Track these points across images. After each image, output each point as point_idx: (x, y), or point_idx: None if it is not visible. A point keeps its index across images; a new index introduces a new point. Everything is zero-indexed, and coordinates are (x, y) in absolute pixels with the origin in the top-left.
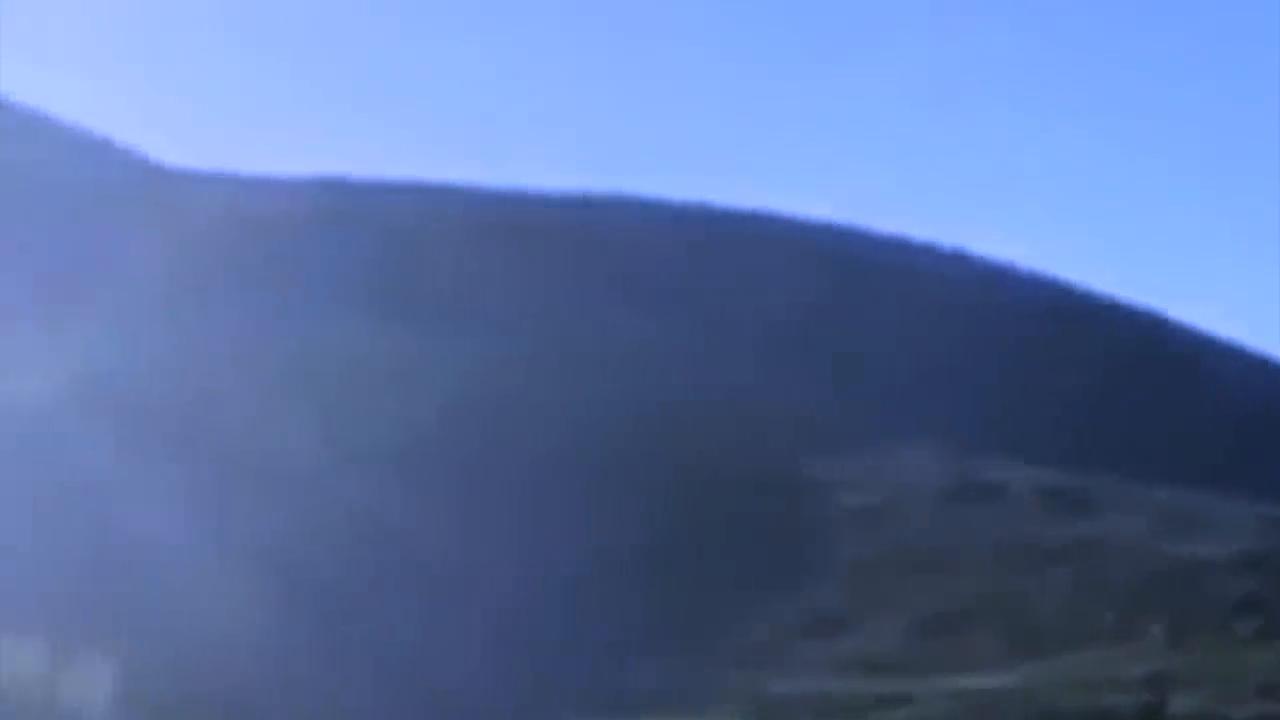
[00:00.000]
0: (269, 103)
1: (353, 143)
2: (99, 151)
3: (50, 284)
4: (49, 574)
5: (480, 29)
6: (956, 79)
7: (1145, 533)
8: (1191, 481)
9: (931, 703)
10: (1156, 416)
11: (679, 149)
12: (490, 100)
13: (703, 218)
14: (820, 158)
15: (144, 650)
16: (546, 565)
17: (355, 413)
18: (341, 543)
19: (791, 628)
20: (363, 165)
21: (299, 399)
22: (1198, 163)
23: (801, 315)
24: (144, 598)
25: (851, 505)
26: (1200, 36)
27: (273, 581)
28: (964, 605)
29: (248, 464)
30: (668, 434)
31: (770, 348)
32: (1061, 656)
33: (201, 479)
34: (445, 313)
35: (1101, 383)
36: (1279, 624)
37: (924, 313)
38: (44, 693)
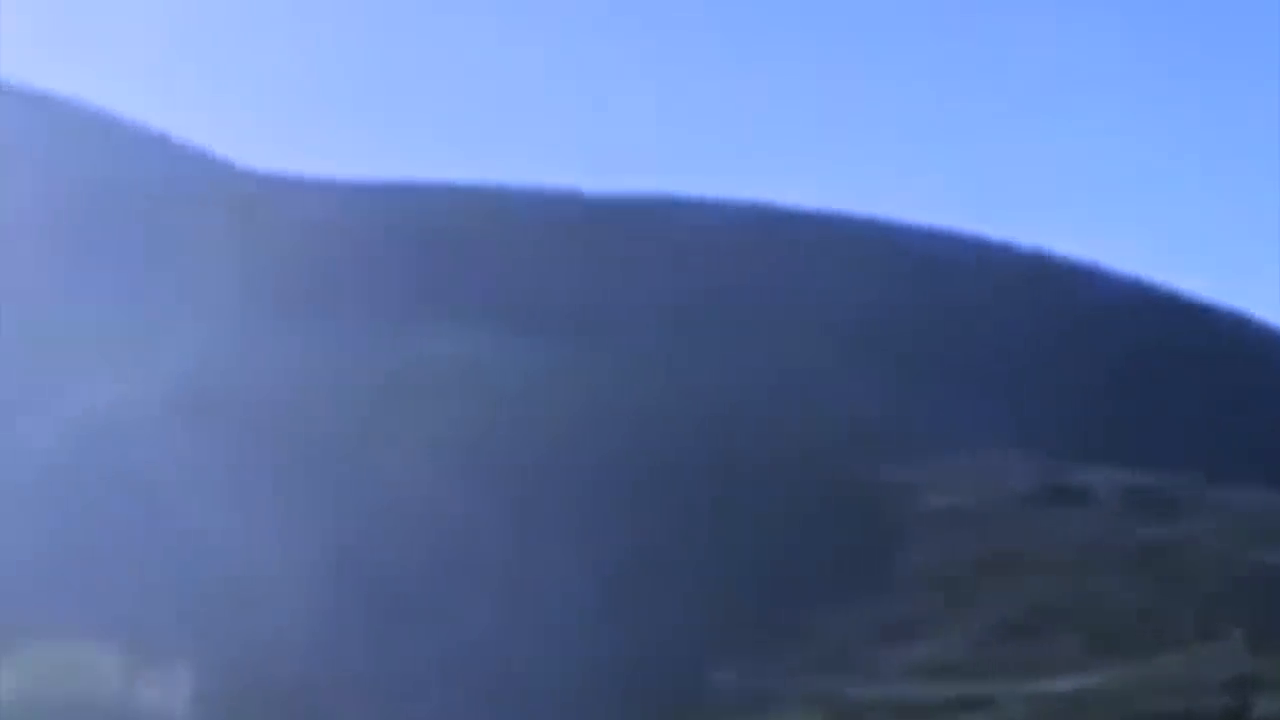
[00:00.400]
0: (353, 107)
1: (433, 147)
2: (182, 157)
3: (136, 291)
4: (129, 577)
5: (552, 36)
6: (1030, 79)
7: (1228, 536)
8: (1275, 484)
9: (1011, 706)
10: (1241, 419)
11: (744, 149)
12: (560, 104)
13: (775, 219)
14: (893, 158)
15: (222, 651)
16: (625, 569)
17: (435, 417)
18: (420, 544)
19: (872, 631)
20: (441, 170)
21: (378, 403)
22: None
23: (884, 316)
24: (224, 600)
25: (933, 509)
26: None
27: (352, 583)
28: (1045, 608)
29: (327, 467)
30: (747, 437)
31: (852, 349)
32: (1142, 659)
33: (282, 483)
34: (519, 316)
35: (1186, 384)
36: None
37: (1006, 314)
38: (123, 694)
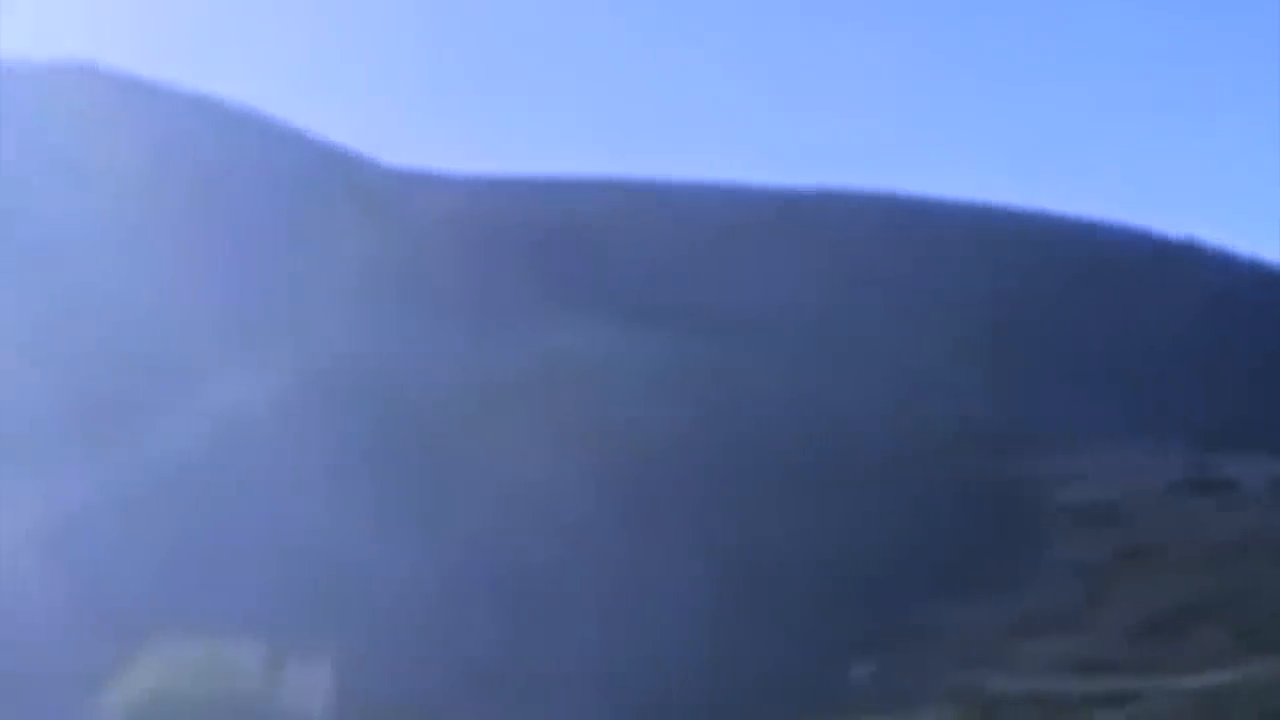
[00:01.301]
0: (483, 102)
1: (562, 142)
2: (317, 152)
3: (270, 286)
4: (267, 573)
5: (682, 29)
6: (1159, 64)
7: None
8: None
9: (1156, 700)
10: None
11: (874, 141)
12: (694, 99)
13: (904, 210)
14: (1037, 148)
15: (357, 647)
16: (765, 565)
17: (564, 412)
18: (546, 541)
19: (1012, 626)
20: (569, 165)
21: (508, 398)
22: None
23: (1024, 308)
24: (360, 599)
25: (1076, 502)
26: None
27: (478, 578)
28: (1191, 602)
29: (456, 461)
30: (887, 432)
31: (991, 341)
32: None
33: (413, 477)
34: (648, 312)
35: None
36: None
37: (1149, 304)
38: (263, 690)
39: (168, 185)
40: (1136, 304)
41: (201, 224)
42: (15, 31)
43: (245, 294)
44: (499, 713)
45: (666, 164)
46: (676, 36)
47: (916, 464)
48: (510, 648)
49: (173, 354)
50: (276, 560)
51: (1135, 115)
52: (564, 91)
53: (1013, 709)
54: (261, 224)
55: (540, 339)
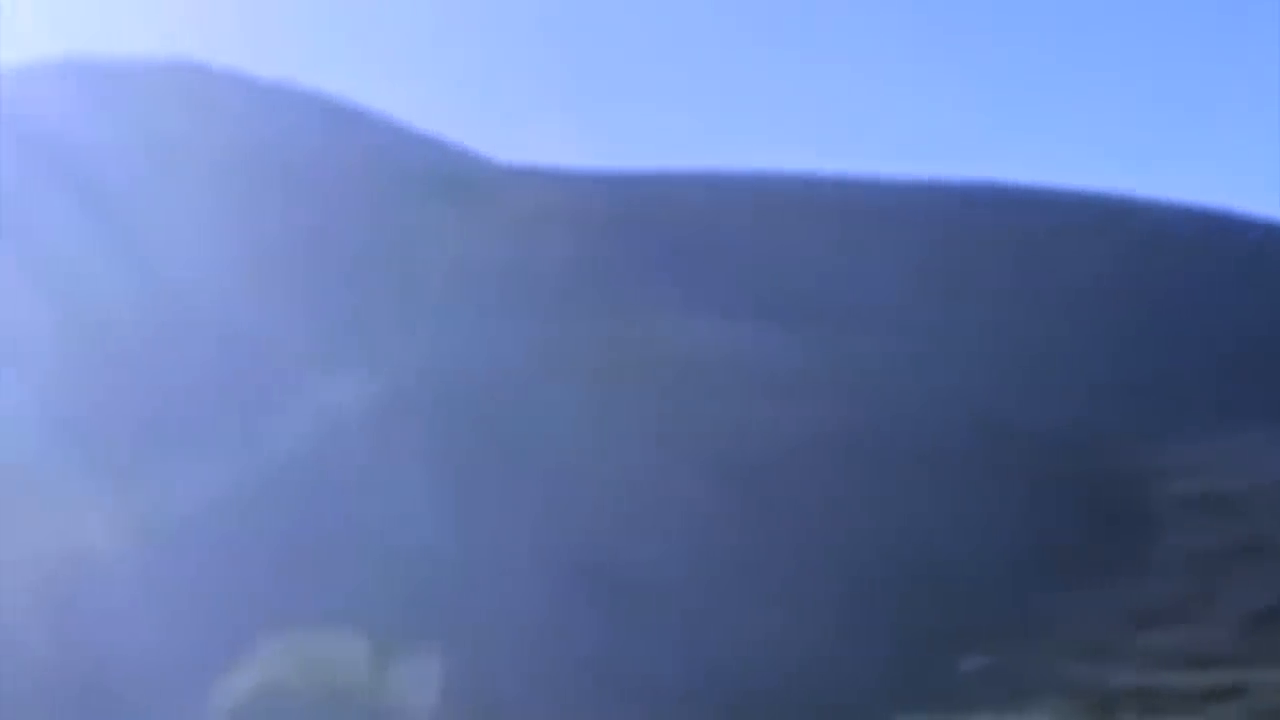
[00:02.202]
0: (591, 97)
1: (671, 136)
2: (426, 148)
3: (373, 282)
4: (373, 571)
5: (783, 22)
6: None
7: None
8: None
9: (1267, 695)
10: None
11: (974, 130)
12: (788, 89)
13: (1008, 199)
14: (1137, 133)
15: (464, 647)
16: (876, 560)
17: (669, 408)
18: (660, 539)
19: (1125, 619)
20: (681, 159)
21: (620, 395)
22: None
23: (1135, 297)
24: (465, 596)
25: (1190, 493)
26: None
27: (588, 577)
28: None
29: (562, 458)
30: (997, 424)
31: (1102, 332)
32: None
33: (519, 474)
34: (762, 303)
35: None
36: None
37: (1262, 295)
38: (372, 684)
39: (275, 182)
40: (1258, 291)
41: (310, 221)
42: (126, 30)
43: (352, 291)
44: (604, 710)
45: (769, 157)
46: (779, 30)
47: (1032, 456)
48: (617, 645)
49: (278, 353)
50: (383, 557)
51: (1255, 101)
52: (666, 84)
53: (1125, 703)
54: (370, 221)
55: (652, 335)
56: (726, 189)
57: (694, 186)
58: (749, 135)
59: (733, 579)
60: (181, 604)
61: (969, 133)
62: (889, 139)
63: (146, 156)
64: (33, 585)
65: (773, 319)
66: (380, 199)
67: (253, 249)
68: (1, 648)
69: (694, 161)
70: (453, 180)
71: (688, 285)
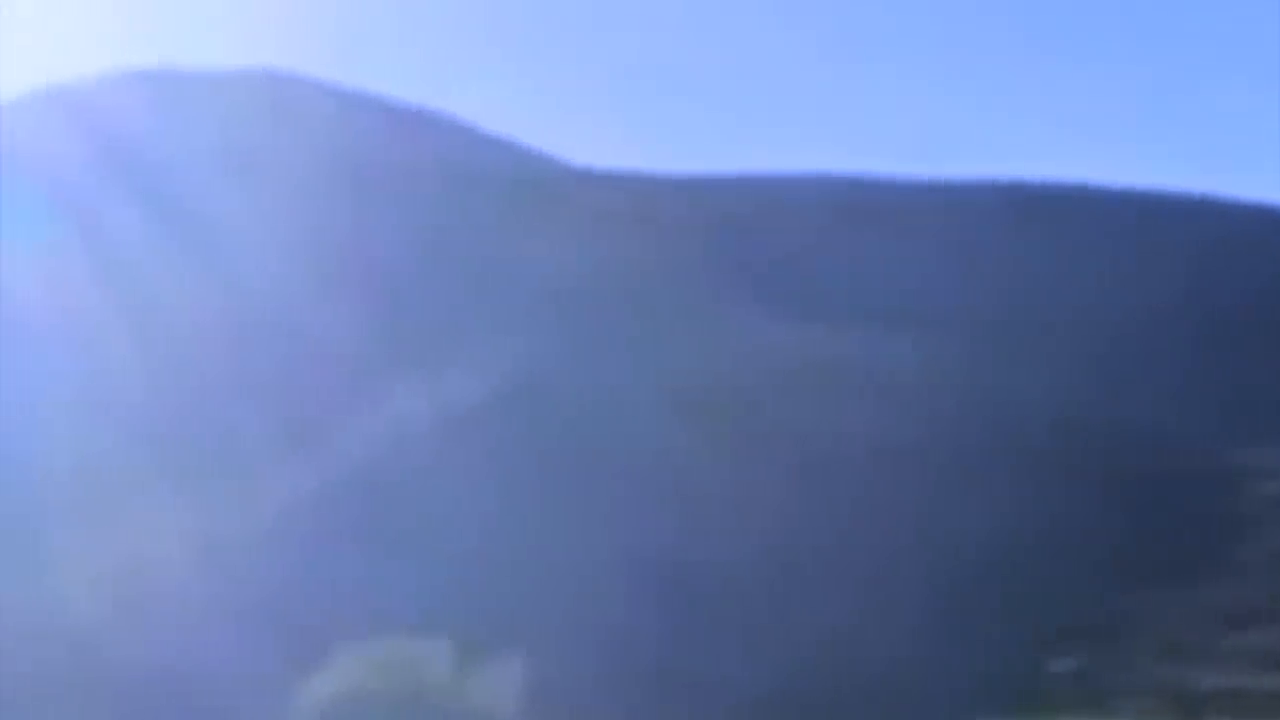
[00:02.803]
0: (662, 99)
1: (744, 138)
2: (503, 151)
3: (452, 287)
4: (453, 576)
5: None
6: None
7: None
8: None
9: None
10: None
11: (1058, 129)
12: (867, 91)
13: (1096, 199)
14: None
15: (548, 650)
16: (965, 558)
17: (753, 412)
18: (748, 544)
19: (1214, 619)
20: (757, 162)
21: (698, 399)
22: None
23: (1239, 300)
24: (547, 599)
25: (1277, 494)
26: None
27: (670, 582)
28: None
29: (650, 467)
30: (1088, 425)
31: (1189, 331)
32: None
33: (598, 479)
34: (839, 307)
35: None
36: None
37: None
38: (453, 688)
39: (352, 189)
40: None
41: (387, 226)
42: (205, 39)
43: (428, 296)
44: (682, 714)
45: (844, 160)
46: (857, 33)
47: (1118, 456)
48: (696, 648)
49: (358, 358)
50: (462, 561)
51: None
52: (741, 86)
53: (1212, 704)
54: (447, 226)
55: (729, 338)
56: (802, 191)
57: (770, 190)
58: (823, 138)
59: (814, 582)
60: (262, 609)
61: (1050, 134)
62: (965, 141)
63: (225, 165)
64: (111, 592)
65: (850, 322)
66: (457, 204)
67: (330, 255)
68: (81, 653)
69: (767, 165)
70: (530, 184)
71: (764, 289)
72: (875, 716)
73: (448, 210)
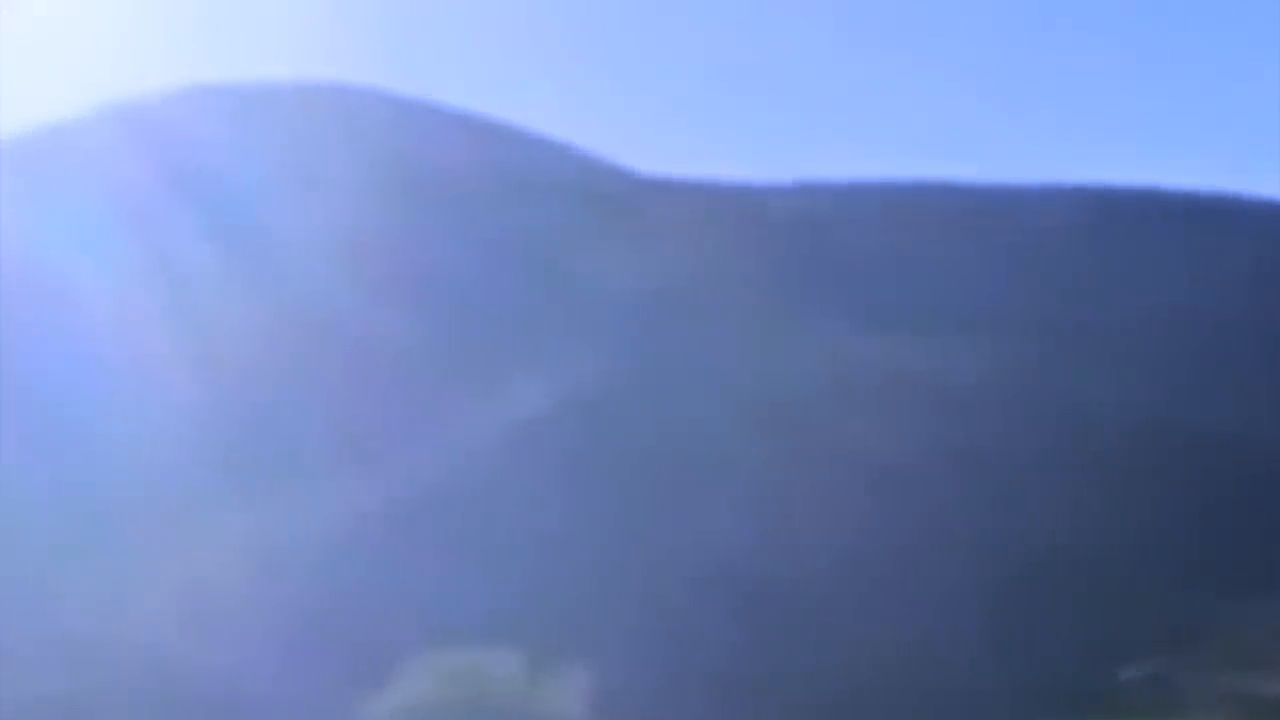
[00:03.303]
0: (730, 107)
1: (818, 146)
2: (570, 160)
3: (520, 296)
4: (522, 585)
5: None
6: None
7: None
8: None
9: None
10: None
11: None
12: (932, 96)
13: (1165, 202)
14: None
15: (617, 659)
16: (1036, 564)
17: (828, 420)
18: (820, 552)
19: None
20: (833, 168)
21: (772, 408)
22: None
23: None
24: (616, 607)
25: None
26: None
27: (740, 590)
28: None
29: (714, 472)
30: (1169, 429)
31: (1272, 335)
32: None
33: (669, 488)
34: (914, 314)
35: None
36: None
37: None
38: (525, 697)
39: (418, 200)
40: None
41: (454, 237)
42: (267, 53)
43: (498, 307)
44: None
45: (907, 165)
46: (913, 38)
47: (1197, 461)
48: (764, 656)
49: (425, 369)
50: (531, 570)
51: None
52: (809, 93)
53: None
54: (515, 236)
55: (804, 347)
56: (869, 198)
57: (840, 197)
58: (890, 144)
59: (885, 590)
60: (329, 621)
61: (1121, 138)
62: (1040, 147)
63: (288, 178)
64: (178, 605)
65: (921, 330)
66: (525, 214)
67: (396, 267)
68: (150, 667)
69: (835, 172)
70: (597, 194)
71: (833, 298)
72: None
73: (515, 221)
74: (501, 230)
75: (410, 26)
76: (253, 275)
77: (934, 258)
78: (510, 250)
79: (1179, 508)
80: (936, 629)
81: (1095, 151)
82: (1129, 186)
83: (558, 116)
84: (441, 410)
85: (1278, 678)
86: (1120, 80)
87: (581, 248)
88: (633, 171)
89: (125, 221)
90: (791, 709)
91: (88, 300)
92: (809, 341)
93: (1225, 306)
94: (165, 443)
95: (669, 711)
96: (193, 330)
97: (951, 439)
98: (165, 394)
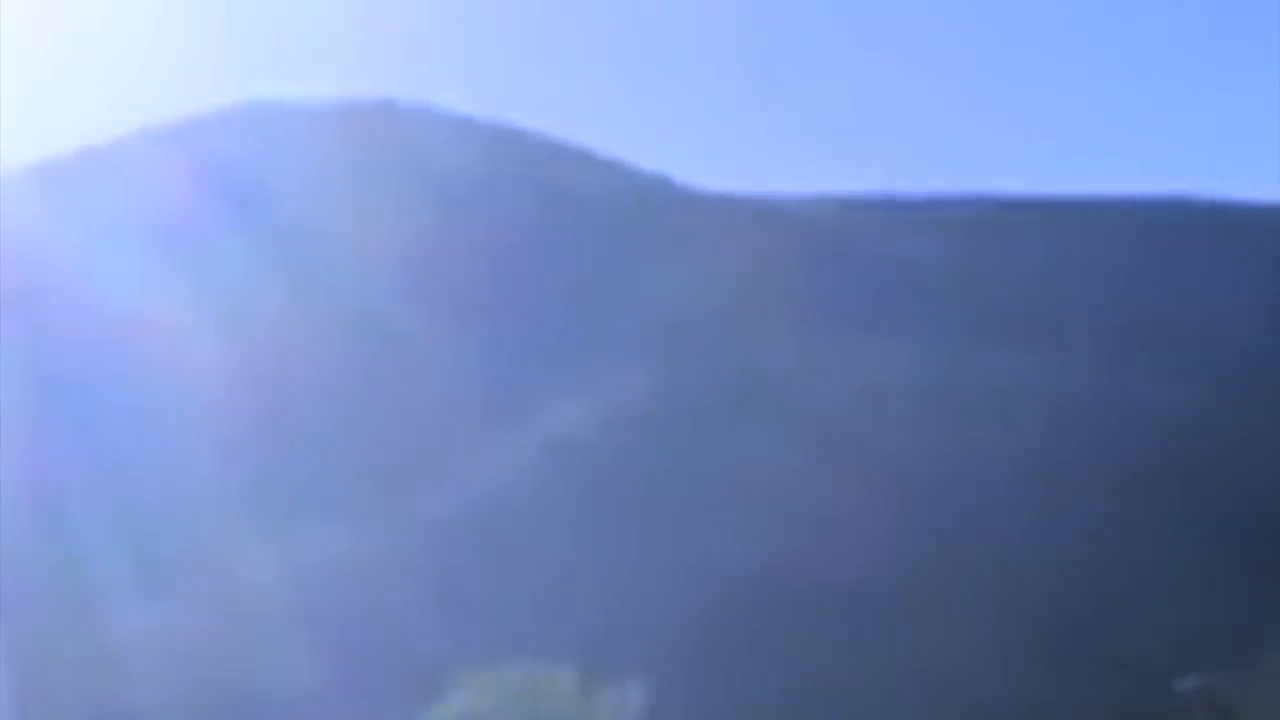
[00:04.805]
0: (788, 122)
1: (860, 160)
2: (617, 175)
3: (573, 311)
4: (576, 602)
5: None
6: None
7: None
8: None
9: None
10: None
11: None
12: (968, 107)
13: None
14: None
15: (670, 674)
16: (1082, 575)
17: (871, 430)
18: (862, 562)
19: None
20: (876, 182)
21: (820, 419)
22: None
23: None
24: (668, 622)
25: None
26: None
27: (790, 604)
28: None
29: (766, 489)
30: (1211, 440)
31: None
32: None
33: (721, 505)
34: (960, 325)
35: None
36: None
37: None
38: (580, 713)
39: (468, 219)
40: None
41: (503, 254)
42: (315, 71)
43: (549, 323)
44: None
45: (951, 179)
46: (957, 48)
47: (1243, 473)
48: (813, 668)
49: (476, 386)
50: (583, 587)
51: None
52: (849, 107)
53: None
54: (564, 252)
55: (849, 362)
56: (917, 211)
57: (882, 210)
58: (939, 157)
59: (933, 602)
60: (385, 636)
61: (1162, 146)
62: (1085, 156)
63: (336, 197)
64: (235, 619)
65: (969, 339)
66: (570, 231)
67: (442, 286)
68: (205, 679)
69: (877, 185)
70: (644, 208)
71: (879, 311)
72: None
73: (559, 238)
74: (546, 248)
75: (459, 44)
76: (300, 294)
77: (986, 269)
78: (555, 268)
79: (1226, 517)
80: (981, 640)
81: (1154, 163)
82: (1165, 194)
83: (602, 130)
84: (487, 427)
85: None
86: (1184, 92)
87: (625, 265)
88: (679, 186)
89: (173, 239)
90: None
91: (134, 318)
92: (854, 355)
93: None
94: (212, 459)
95: None
96: (239, 348)
97: (994, 450)
98: (213, 412)
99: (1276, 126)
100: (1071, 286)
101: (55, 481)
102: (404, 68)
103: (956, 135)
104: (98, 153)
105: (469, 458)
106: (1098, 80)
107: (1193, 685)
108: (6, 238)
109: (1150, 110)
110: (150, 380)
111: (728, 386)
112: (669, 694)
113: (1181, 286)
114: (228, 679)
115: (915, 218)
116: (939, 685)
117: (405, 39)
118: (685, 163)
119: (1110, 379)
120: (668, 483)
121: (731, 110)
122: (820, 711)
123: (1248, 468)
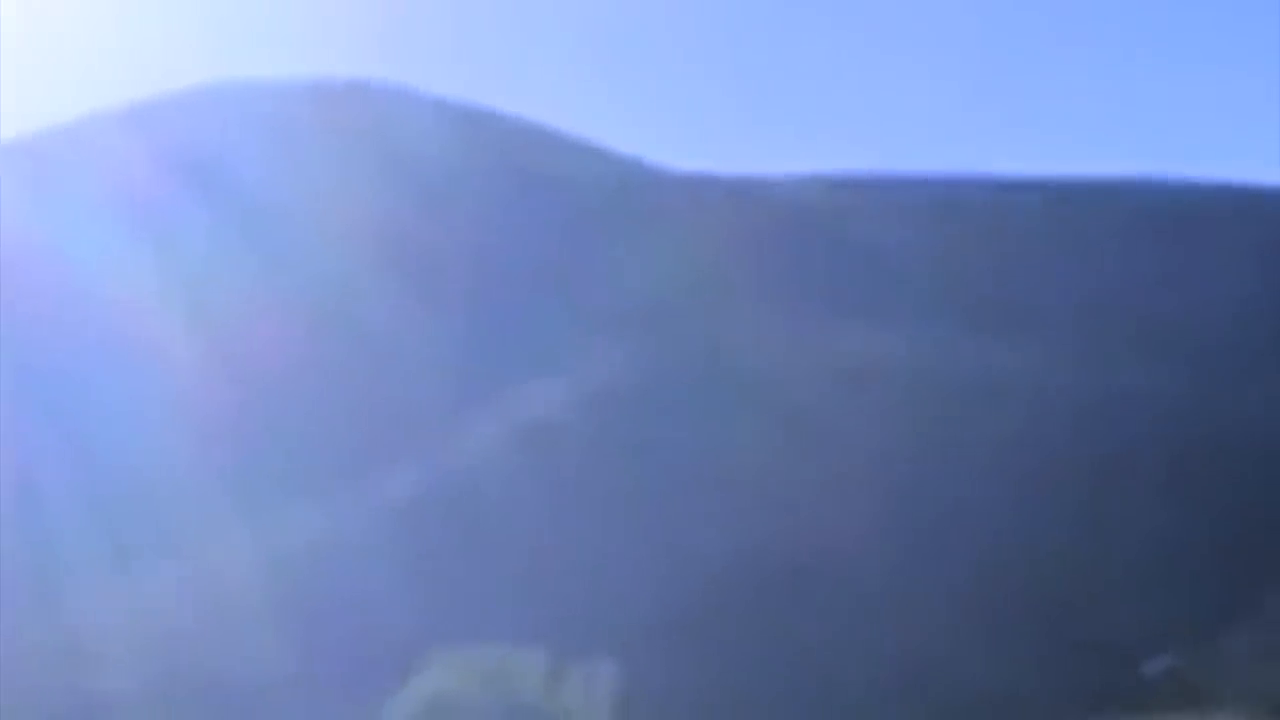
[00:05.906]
0: (767, 103)
1: (841, 140)
2: (592, 157)
3: (547, 294)
4: (546, 584)
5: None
6: None
7: None
8: None
9: None
10: None
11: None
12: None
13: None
14: None
15: (641, 657)
16: (1056, 559)
17: (851, 415)
18: (836, 550)
19: None
20: (858, 162)
21: (796, 403)
22: None
23: None
24: (640, 605)
25: None
26: None
27: (765, 588)
28: None
29: (740, 472)
30: (1193, 427)
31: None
32: None
33: (694, 485)
34: (938, 309)
35: None
36: None
37: None
38: (547, 696)
39: (440, 199)
40: None
41: (472, 237)
42: (285, 52)
43: (522, 307)
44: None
45: (931, 159)
46: (942, 29)
47: (1219, 458)
48: (791, 653)
49: (446, 369)
50: (556, 568)
51: None
52: (826, 86)
53: None
54: (538, 235)
55: (824, 346)
56: (900, 192)
57: (861, 191)
58: (921, 137)
59: (909, 587)
60: (353, 618)
61: (1152, 131)
62: (1072, 138)
63: (306, 178)
64: (203, 603)
65: (950, 324)
66: (547, 213)
67: (416, 266)
68: (176, 665)
69: (859, 165)
70: (613, 190)
71: (856, 292)
72: (975, 715)
73: (534, 219)
74: (519, 229)
75: (432, 25)
76: (271, 277)
77: (966, 253)
78: (530, 251)
79: (1199, 502)
80: (957, 624)
81: (1153, 146)
82: (1196, 181)
83: (577, 112)
84: (460, 409)
85: None
86: (1183, 75)
87: (599, 245)
88: (657, 168)
89: (140, 221)
90: (813, 706)
91: (102, 301)
92: (830, 338)
93: (1264, 304)
94: (182, 443)
95: (691, 708)
96: (208, 332)
97: (975, 436)
98: (182, 395)
99: (1261, 110)
100: (1055, 272)
101: (20, 464)
102: (376, 48)
103: (956, 116)
104: (64, 133)
105: (443, 440)
106: (1087, 63)
107: (1161, 666)
108: None
109: (1143, 94)
110: (118, 363)
111: (705, 370)
112: (642, 678)
113: (1165, 273)
114: (200, 663)
115: (899, 200)
116: (916, 670)
117: (377, 18)
118: (664, 144)
119: (1093, 366)
120: (644, 466)
121: (712, 91)
122: (796, 696)
123: (1228, 454)
